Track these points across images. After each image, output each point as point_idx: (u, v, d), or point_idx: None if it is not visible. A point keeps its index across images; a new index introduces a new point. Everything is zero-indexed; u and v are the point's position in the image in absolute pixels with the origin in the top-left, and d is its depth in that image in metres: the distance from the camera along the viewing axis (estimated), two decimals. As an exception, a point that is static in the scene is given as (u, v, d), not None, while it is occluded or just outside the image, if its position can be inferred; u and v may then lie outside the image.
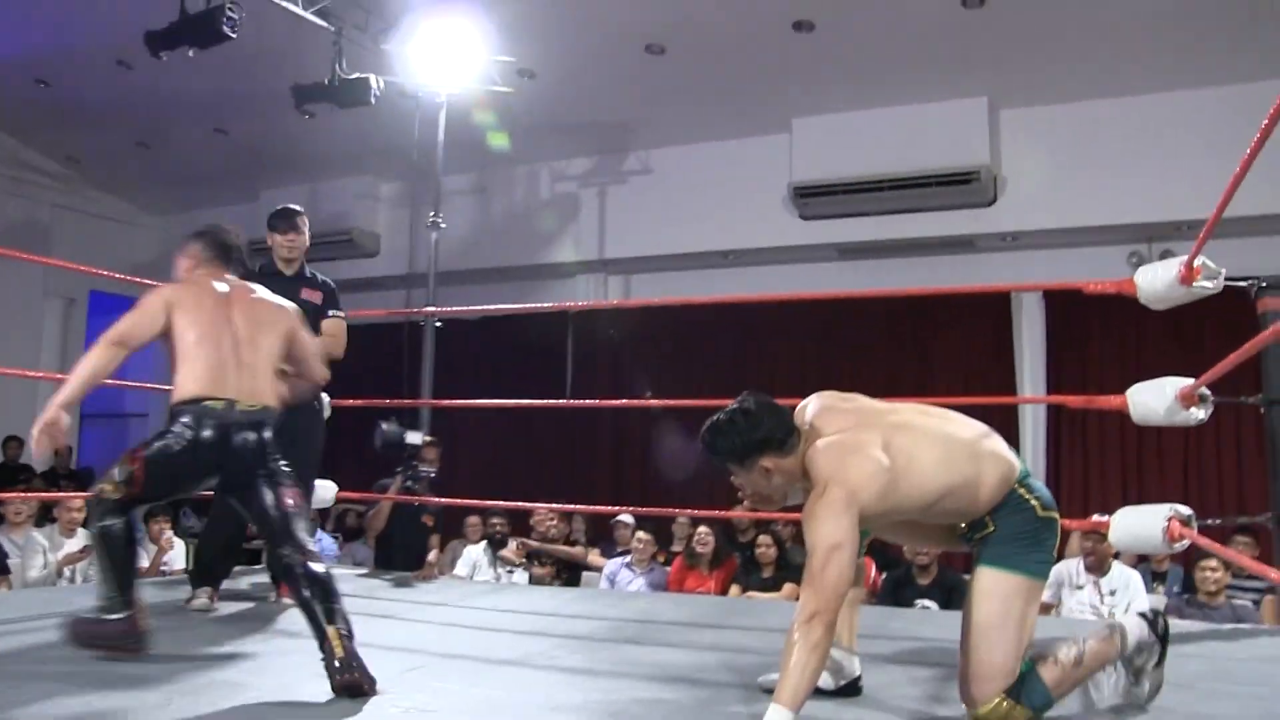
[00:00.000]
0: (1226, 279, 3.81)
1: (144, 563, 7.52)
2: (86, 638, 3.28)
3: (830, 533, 2.56)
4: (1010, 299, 9.34)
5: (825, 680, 2.83)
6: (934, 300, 8.87)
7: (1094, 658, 2.71)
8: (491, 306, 7.34)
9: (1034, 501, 2.76)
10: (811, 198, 9.33)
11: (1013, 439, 9.17)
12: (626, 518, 7.99)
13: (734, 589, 6.88)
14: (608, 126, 10.13)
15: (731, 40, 8.50)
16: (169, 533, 7.74)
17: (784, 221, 9.74)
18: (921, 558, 6.36)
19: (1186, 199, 8.11)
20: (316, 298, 4.95)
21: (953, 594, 6.26)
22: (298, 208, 5.06)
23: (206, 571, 4.70)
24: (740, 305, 9.87)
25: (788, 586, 6.70)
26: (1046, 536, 2.76)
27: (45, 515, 8.15)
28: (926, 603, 6.20)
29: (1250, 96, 7.94)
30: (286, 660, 3.47)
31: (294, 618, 4.04)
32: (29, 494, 8.43)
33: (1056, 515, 2.77)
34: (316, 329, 4.88)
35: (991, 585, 2.72)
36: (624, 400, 7.51)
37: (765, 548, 6.91)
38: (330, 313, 5.02)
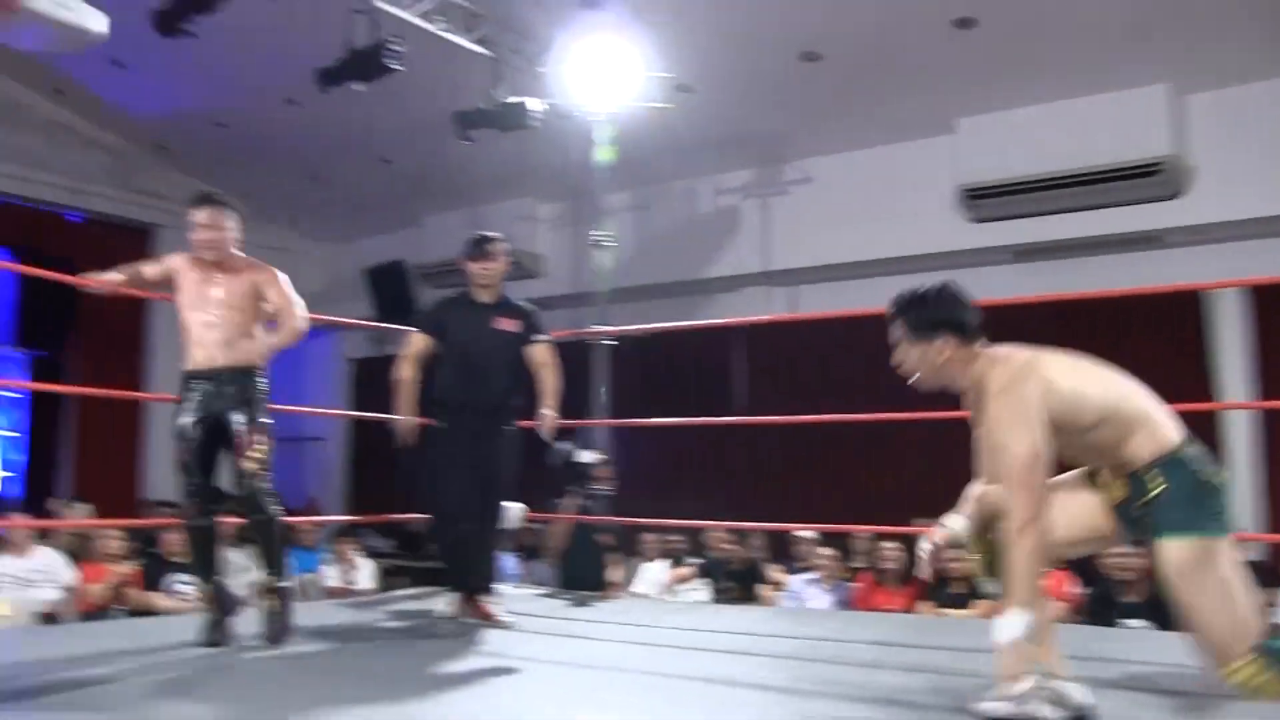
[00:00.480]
0: None
1: (335, 583, 7.70)
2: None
3: (1027, 440, 2.75)
4: (1201, 298, 8.81)
5: (1048, 713, 2.66)
6: (1118, 302, 8.44)
7: None
8: (665, 324, 7.31)
9: (1198, 466, 2.84)
10: (982, 199, 9.03)
11: (1217, 450, 8.65)
12: (808, 533, 7.81)
13: (924, 606, 6.64)
14: (767, 137, 10.00)
15: (889, 43, 8.29)
16: (356, 553, 7.89)
17: (953, 225, 9.44)
18: (1127, 572, 6.00)
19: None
20: (515, 326, 4.97)
21: (1164, 613, 5.89)
22: (493, 234, 5.11)
23: (456, 576, 4.95)
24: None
25: (982, 603, 6.44)
26: (1216, 498, 2.83)
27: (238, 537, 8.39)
28: (1135, 622, 5.85)
29: None
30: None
31: (493, 637, 4.03)
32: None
33: (1223, 479, 2.87)
34: (518, 358, 4.89)
35: (1178, 561, 2.76)
36: (799, 417, 7.33)
37: (956, 562, 6.65)
38: (534, 339, 5.03)
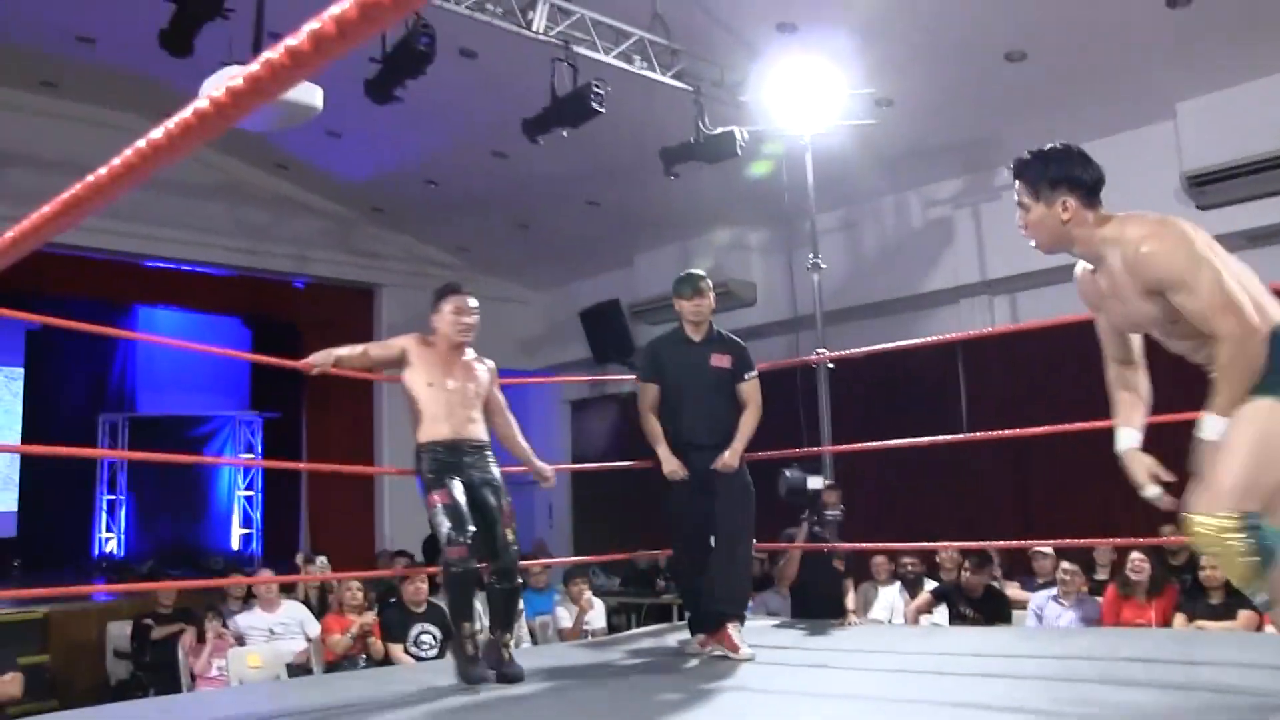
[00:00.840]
0: None
1: (566, 623, 7.82)
2: None
3: (1207, 271, 2.74)
4: None
5: None
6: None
7: None
8: (880, 346, 7.22)
9: None
10: (1209, 184, 8.58)
11: None
12: (1046, 548, 7.55)
13: (1179, 618, 6.32)
14: (974, 143, 9.77)
15: (1096, 32, 7.99)
16: (589, 593, 8.00)
17: (1179, 214, 8.89)
18: None
19: None
20: (726, 362, 5.07)
21: None
22: (700, 272, 5.22)
23: (699, 615, 5.02)
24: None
25: (1244, 614, 6.08)
26: None
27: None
28: None
29: None
30: None
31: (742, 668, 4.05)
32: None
33: None
34: (729, 393, 5.00)
35: (1248, 409, 2.69)
36: (1023, 430, 7.10)
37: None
38: (745, 376, 5.12)
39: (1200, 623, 6.17)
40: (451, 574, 4.28)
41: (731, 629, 4.82)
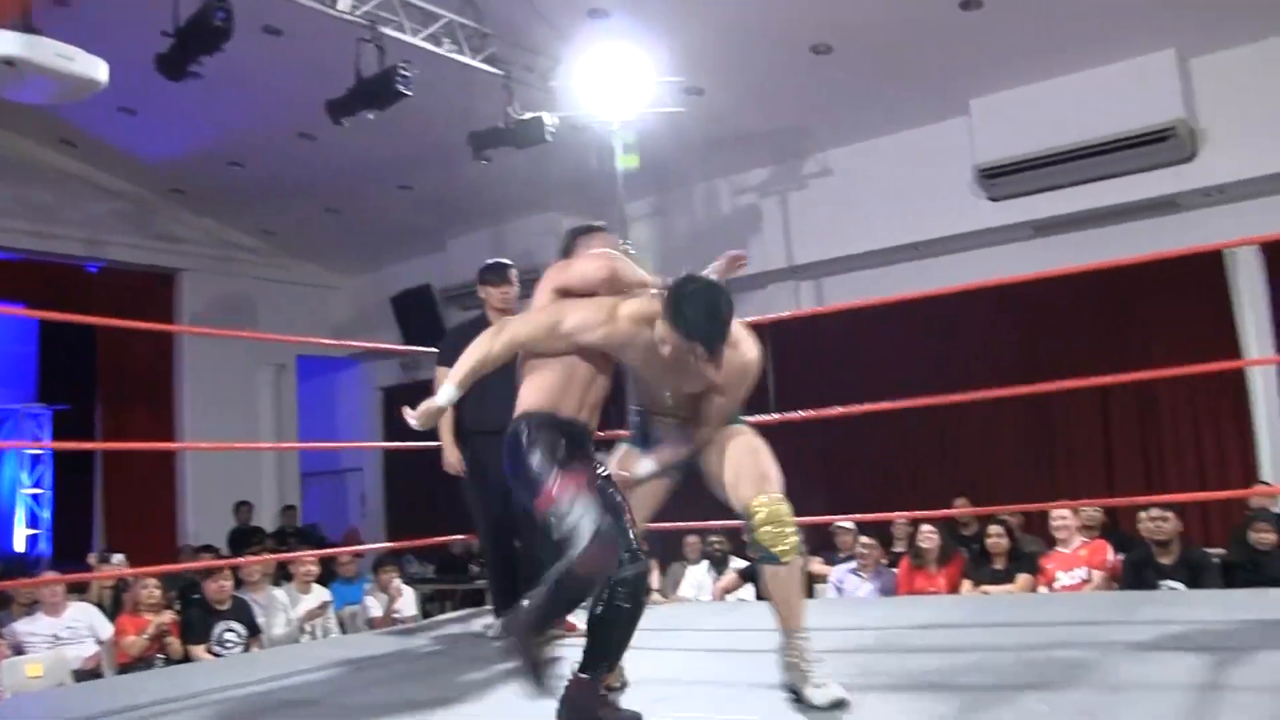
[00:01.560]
0: None
1: (376, 613, 7.74)
2: None
3: None
4: (1223, 257, 8.82)
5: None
6: (1141, 268, 8.44)
7: None
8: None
9: None
10: (999, 177, 9.04)
11: (1243, 404, 8.69)
12: (847, 523, 7.83)
13: (965, 584, 6.67)
14: (782, 133, 10.03)
15: (898, 30, 8.31)
16: (398, 580, 7.93)
17: (972, 205, 9.46)
18: (1161, 534, 6.02)
19: None
20: None
21: (1200, 574, 5.92)
22: (507, 260, 5.23)
23: (504, 600, 4.99)
24: (937, 297, 9.58)
25: (1022, 577, 6.47)
26: None
27: (281, 574, 8.49)
28: (1172, 584, 5.87)
29: None
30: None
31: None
32: (271, 556, 8.75)
33: None
34: None
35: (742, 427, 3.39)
36: (829, 410, 7.36)
37: (996, 538, 6.68)
38: None
39: (985, 587, 6.52)
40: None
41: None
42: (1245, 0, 7.76)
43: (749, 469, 3.21)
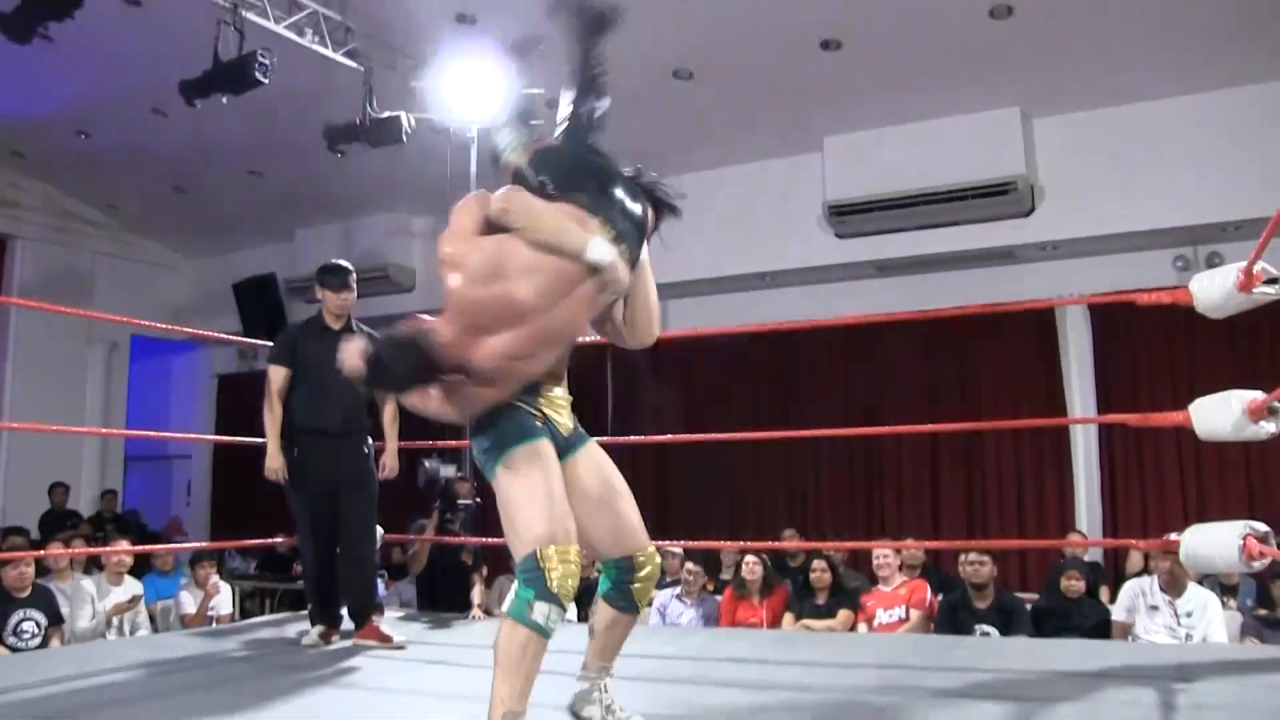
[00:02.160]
0: (1283, 285, 3.66)
1: (190, 609, 7.50)
2: None
3: None
4: (1054, 312, 9.19)
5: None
6: (976, 315, 8.74)
7: None
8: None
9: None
10: (846, 215, 9.23)
11: (1065, 455, 9.05)
12: (674, 548, 7.88)
13: (787, 617, 6.76)
14: (639, 154, 9.90)
15: (759, 62, 8.43)
16: (215, 577, 7.69)
17: (820, 240, 9.64)
18: (978, 577, 6.21)
19: (1229, 199, 8.00)
20: None
21: (1012, 618, 6.12)
22: (348, 265, 5.15)
23: (322, 607, 4.95)
24: (779, 330, 9.77)
25: (843, 613, 6.59)
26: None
27: (92, 562, 8.16)
28: (985, 628, 6.06)
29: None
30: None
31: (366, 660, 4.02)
32: (80, 550, 8.37)
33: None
34: None
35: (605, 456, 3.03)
36: (670, 436, 7.41)
37: (819, 573, 6.79)
38: None
39: (806, 621, 6.63)
40: None
41: (377, 620, 4.84)
42: (1086, 68, 8.11)
43: (631, 512, 2.99)
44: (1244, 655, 4.30)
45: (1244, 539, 3.50)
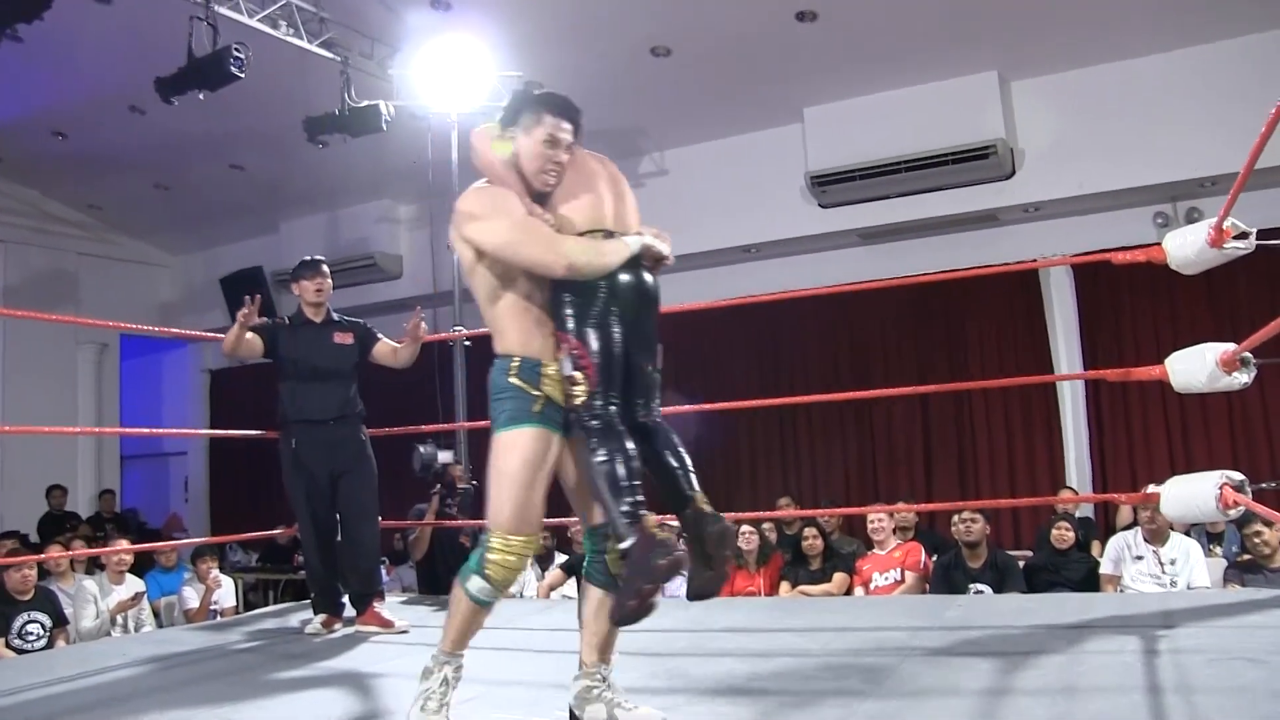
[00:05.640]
0: (1259, 236, 3.72)
1: (193, 604, 7.55)
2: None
3: None
4: (1039, 273, 9.26)
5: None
6: (961, 279, 8.81)
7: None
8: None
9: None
10: (829, 185, 9.28)
11: (1053, 414, 9.13)
12: (670, 522, 7.94)
13: (784, 585, 6.85)
14: (620, 131, 10.10)
15: (736, 36, 8.46)
16: (217, 571, 7.74)
17: (803, 211, 9.69)
18: (971, 536, 6.29)
19: (1207, 155, 8.03)
20: (349, 339, 5.07)
21: (1005, 575, 6.21)
22: (320, 258, 5.18)
23: (324, 595, 5.00)
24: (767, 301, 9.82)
25: (838, 577, 6.68)
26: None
27: (93, 562, 8.21)
28: (979, 586, 6.14)
29: (1262, 46, 7.90)
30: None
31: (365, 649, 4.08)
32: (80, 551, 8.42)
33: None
34: (355, 370, 5.03)
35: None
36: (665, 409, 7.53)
37: (812, 539, 6.88)
38: (378, 338, 5.21)
39: (803, 588, 6.71)
40: None
41: (378, 606, 4.88)
42: (1062, 30, 8.14)
43: None
44: (1225, 600, 4.38)
45: (1220, 489, 3.58)
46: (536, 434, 2.82)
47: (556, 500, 3.02)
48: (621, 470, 2.74)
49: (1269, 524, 5.58)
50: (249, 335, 4.93)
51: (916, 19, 8.09)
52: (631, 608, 2.67)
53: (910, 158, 8.85)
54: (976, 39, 8.37)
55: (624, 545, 2.69)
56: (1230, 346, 3.71)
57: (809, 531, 6.92)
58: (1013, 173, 8.88)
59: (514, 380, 2.85)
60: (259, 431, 5.50)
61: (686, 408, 6.30)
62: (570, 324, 2.85)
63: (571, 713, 2.94)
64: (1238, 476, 3.62)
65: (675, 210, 10.25)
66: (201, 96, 7.47)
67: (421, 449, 6.16)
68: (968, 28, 8.20)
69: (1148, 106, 8.37)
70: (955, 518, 6.53)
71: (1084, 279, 9.11)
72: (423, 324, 5.03)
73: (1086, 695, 2.84)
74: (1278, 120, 2.55)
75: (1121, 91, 8.50)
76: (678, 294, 10.36)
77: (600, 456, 2.76)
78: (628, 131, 10.09)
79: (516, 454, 2.81)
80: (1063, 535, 6.60)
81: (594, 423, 2.80)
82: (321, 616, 4.95)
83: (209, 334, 8.00)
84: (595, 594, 2.98)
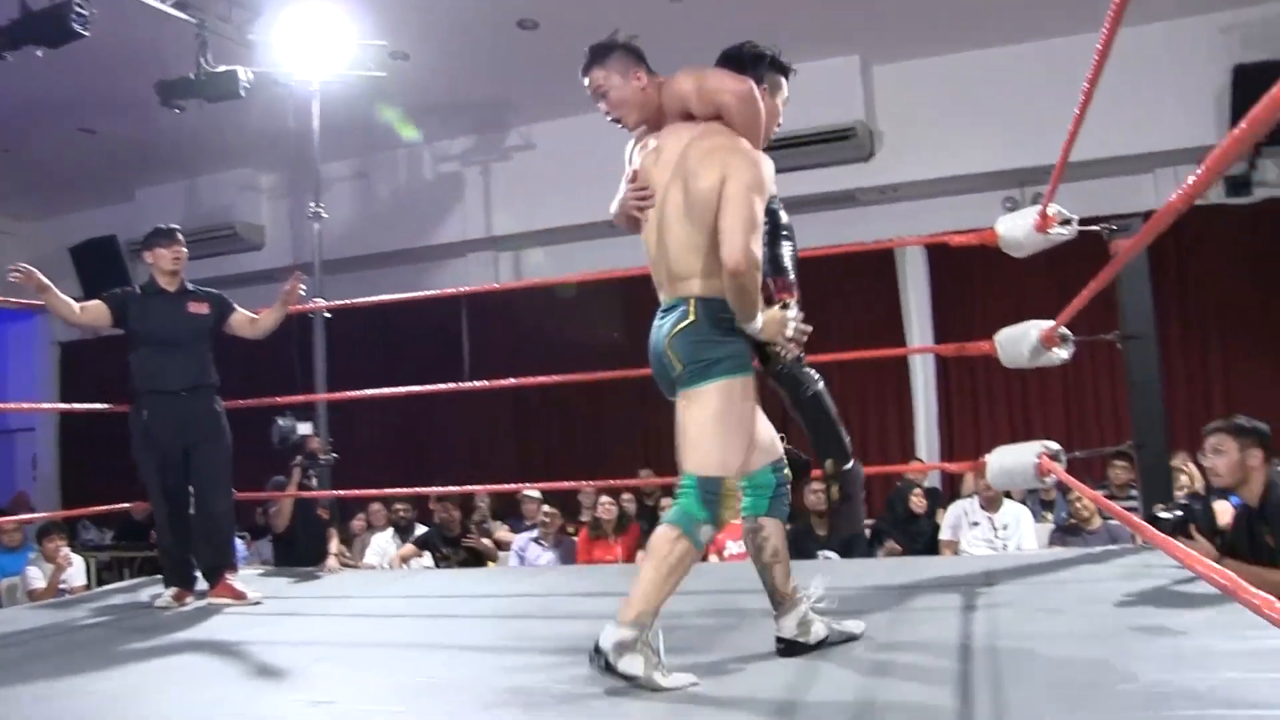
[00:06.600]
0: (1082, 222, 3.96)
1: (40, 584, 7.33)
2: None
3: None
4: (894, 253, 9.54)
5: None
6: (820, 258, 9.02)
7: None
8: (384, 297, 7.16)
9: None
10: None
11: (905, 388, 9.44)
12: (533, 492, 8.02)
13: (640, 555, 6.96)
14: (487, 104, 10.08)
15: (602, 11, 8.43)
16: (66, 549, 7.52)
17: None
18: (820, 505, 6.50)
19: (1054, 144, 8.25)
20: (204, 309, 5.02)
21: (852, 542, 6.43)
22: (175, 226, 5.11)
23: (176, 568, 4.93)
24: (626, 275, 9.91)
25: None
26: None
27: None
28: (828, 553, 6.35)
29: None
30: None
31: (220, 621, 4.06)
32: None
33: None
34: (210, 340, 4.98)
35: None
36: (525, 379, 7.53)
37: (665, 510, 7.00)
38: (234, 309, 5.17)
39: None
40: None
41: (230, 578, 4.84)
42: (924, 17, 8.39)
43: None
44: (1044, 559, 4.63)
45: (1039, 458, 3.80)
46: (751, 380, 2.94)
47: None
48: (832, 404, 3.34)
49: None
50: (93, 303, 4.86)
51: (783, 1, 8.24)
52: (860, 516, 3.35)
53: (772, 137, 8.98)
54: (839, 24, 8.56)
55: (848, 466, 3.42)
56: (1050, 324, 3.93)
57: (666, 502, 7.03)
58: (871, 154, 9.12)
59: (740, 326, 2.87)
60: (110, 406, 5.39)
61: (548, 379, 6.37)
62: (792, 275, 3.30)
63: (788, 642, 3.04)
64: (1054, 446, 3.86)
65: (541, 183, 10.31)
66: (40, 54, 7.14)
67: (280, 421, 6.12)
68: (831, 13, 8.38)
69: (1000, 94, 8.71)
70: (805, 488, 6.73)
71: (937, 259, 9.43)
72: (302, 288, 5.02)
73: (907, 647, 3.06)
74: (1083, 119, 2.73)
75: (977, 79, 8.82)
76: (544, 265, 10.53)
77: (822, 390, 3.37)
78: (494, 105, 10.08)
79: (748, 401, 2.93)
80: (917, 502, 6.92)
81: (802, 365, 3.26)
82: (173, 590, 4.89)
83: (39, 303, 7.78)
84: (779, 528, 3.18)
